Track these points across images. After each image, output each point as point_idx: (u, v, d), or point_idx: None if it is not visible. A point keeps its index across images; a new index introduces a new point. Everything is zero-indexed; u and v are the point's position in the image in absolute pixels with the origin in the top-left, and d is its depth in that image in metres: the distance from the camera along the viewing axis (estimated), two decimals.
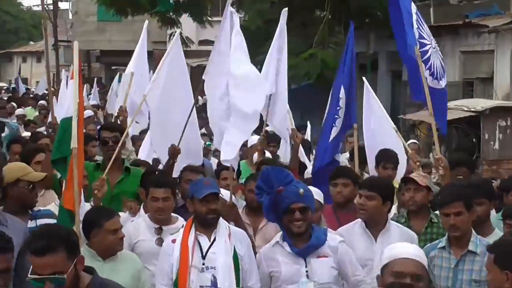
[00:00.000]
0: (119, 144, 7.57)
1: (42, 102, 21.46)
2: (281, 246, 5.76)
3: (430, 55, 7.55)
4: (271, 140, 10.95)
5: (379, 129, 8.79)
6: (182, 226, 5.96)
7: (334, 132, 8.36)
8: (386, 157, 8.08)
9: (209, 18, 24.46)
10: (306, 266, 5.68)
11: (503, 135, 12.65)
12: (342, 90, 8.36)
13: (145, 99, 8.14)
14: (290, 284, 5.67)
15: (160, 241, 6.23)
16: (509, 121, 12.77)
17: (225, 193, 6.62)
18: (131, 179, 7.35)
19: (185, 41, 24.30)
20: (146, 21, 10.55)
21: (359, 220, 6.17)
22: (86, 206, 6.38)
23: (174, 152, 7.89)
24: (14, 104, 21.71)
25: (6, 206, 5.86)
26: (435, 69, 7.54)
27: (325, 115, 8.80)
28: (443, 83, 7.53)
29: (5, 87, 45.15)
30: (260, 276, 5.82)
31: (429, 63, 7.52)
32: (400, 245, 4.47)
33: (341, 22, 17.13)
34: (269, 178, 5.81)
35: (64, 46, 46.13)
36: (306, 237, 5.70)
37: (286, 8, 8.59)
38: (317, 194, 6.32)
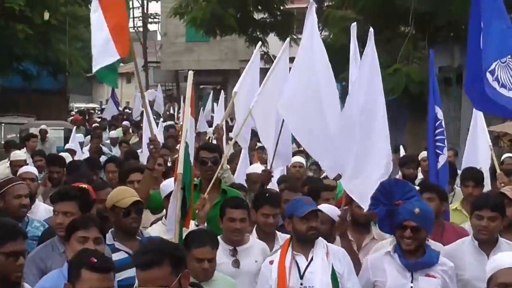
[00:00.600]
0: (220, 166, 7.50)
1: (125, 123, 22.04)
2: (391, 257, 5.71)
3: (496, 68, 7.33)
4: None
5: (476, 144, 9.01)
6: (280, 248, 5.89)
7: (441, 160, 7.94)
8: (467, 175, 8.08)
9: (295, 36, 24.85)
10: (412, 282, 5.61)
11: None
12: (439, 111, 8.06)
13: (251, 113, 8.20)
14: None
15: (236, 263, 6.19)
16: None
17: (328, 208, 6.55)
18: None
19: (271, 59, 24.81)
20: (259, 43, 10.21)
21: (468, 237, 6.08)
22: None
23: (267, 177, 7.99)
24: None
25: (114, 232, 5.97)
26: (503, 80, 7.29)
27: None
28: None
29: (97, 108, 46.28)
30: (362, 283, 5.78)
31: (495, 75, 7.31)
32: (502, 255, 4.39)
33: (425, 38, 17.25)
34: (390, 190, 5.78)
35: (154, 67, 47.31)
36: (418, 255, 5.64)
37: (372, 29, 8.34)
38: (329, 210, 6.45)
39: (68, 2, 27.11)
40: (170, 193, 6.23)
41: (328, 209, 6.53)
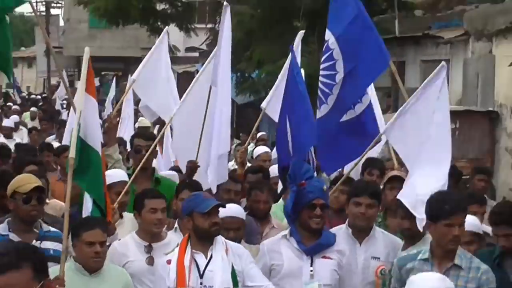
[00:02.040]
0: (147, 153, 7.28)
1: (33, 109, 21.77)
2: (287, 241, 5.67)
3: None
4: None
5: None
6: (177, 246, 5.57)
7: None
8: (372, 163, 7.96)
9: (195, 26, 25.67)
10: (311, 265, 5.59)
11: (452, 137, 13.86)
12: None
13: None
14: (290, 279, 5.60)
15: (150, 260, 5.90)
16: (458, 124, 14.08)
17: (236, 209, 6.27)
18: (161, 191, 6.54)
19: (171, 49, 25.62)
20: (165, 30, 9.73)
21: (343, 225, 6.02)
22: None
23: (192, 168, 7.73)
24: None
25: (11, 222, 5.63)
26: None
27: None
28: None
29: None
30: (260, 267, 5.61)
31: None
32: (421, 279, 4.13)
33: (314, 33, 18.33)
34: (293, 171, 5.69)
35: (56, 52, 47.27)
36: (316, 237, 5.61)
37: (303, 31, 8.86)
38: (237, 211, 6.22)
39: None
40: (109, 185, 6.19)
41: (236, 209, 6.27)
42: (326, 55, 7.41)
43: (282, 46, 18.87)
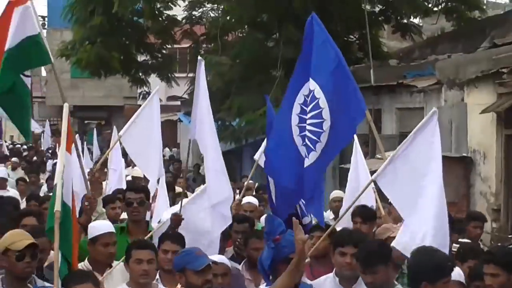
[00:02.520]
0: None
1: (14, 159, 21.42)
2: None
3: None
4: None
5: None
6: None
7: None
8: (356, 211, 7.87)
9: (176, 75, 26.09)
10: None
11: None
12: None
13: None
14: None
15: None
16: None
17: (219, 258, 6.36)
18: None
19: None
20: (157, 88, 9.61)
21: (331, 274, 6.05)
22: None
23: (176, 221, 7.53)
24: None
25: (5, 278, 5.62)
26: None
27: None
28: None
29: None
30: None
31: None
32: None
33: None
34: (267, 226, 5.56)
35: (38, 102, 47.62)
36: None
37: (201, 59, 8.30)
38: (221, 259, 6.28)
39: None
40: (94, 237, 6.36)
41: (220, 256, 6.36)
42: (313, 103, 7.40)
43: (261, 95, 19.37)
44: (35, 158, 25.46)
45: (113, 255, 6.58)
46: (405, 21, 21.88)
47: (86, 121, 41.77)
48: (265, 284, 5.68)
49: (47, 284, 5.73)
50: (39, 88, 49.24)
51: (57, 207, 5.42)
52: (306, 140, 7.51)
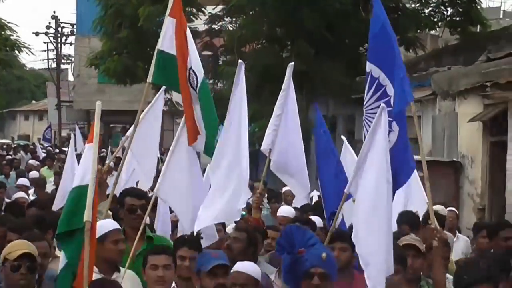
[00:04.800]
0: (147, 213, 6.96)
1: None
2: None
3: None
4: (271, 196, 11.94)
5: None
6: None
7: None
8: (402, 218, 7.94)
9: None
10: None
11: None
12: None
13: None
14: None
15: None
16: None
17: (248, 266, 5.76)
18: None
19: (174, 104, 27.57)
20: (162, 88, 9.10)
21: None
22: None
23: None
24: None
25: None
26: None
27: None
28: None
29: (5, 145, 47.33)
30: None
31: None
32: None
33: (303, 92, 20.19)
34: (291, 237, 5.27)
35: (67, 106, 49.42)
36: None
37: (292, 63, 8.90)
38: (249, 267, 5.67)
39: None
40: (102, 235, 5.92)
41: (247, 265, 5.71)
42: (380, 92, 7.19)
43: (274, 104, 20.90)
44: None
45: (123, 253, 6.24)
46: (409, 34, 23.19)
47: (111, 125, 43.27)
48: None
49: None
50: (67, 92, 50.95)
51: (87, 216, 4.91)
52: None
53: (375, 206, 5.66)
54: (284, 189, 13.95)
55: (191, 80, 7.48)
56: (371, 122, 6.65)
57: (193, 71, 7.41)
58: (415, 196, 8.78)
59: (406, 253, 6.07)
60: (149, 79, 7.50)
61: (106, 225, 6.21)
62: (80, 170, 5.48)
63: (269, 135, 8.44)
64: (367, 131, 6.67)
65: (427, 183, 6.73)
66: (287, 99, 8.53)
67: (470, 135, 16.47)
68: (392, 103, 7.04)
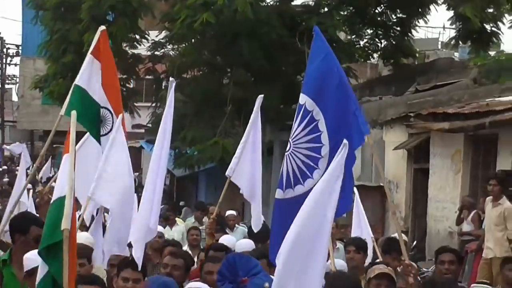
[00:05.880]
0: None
1: None
2: None
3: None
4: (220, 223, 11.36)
5: None
6: None
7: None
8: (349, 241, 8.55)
9: (142, 104, 28.30)
10: None
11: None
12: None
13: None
14: None
15: None
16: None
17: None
18: None
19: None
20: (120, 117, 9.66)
21: None
22: None
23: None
24: None
25: None
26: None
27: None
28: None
29: None
30: None
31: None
32: None
33: (241, 117, 20.85)
34: (234, 266, 5.24)
35: (10, 125, 49.57)
36: None
37: (262, 95, 8.68)
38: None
39: None
40: (31, 269, 5.67)
41: (200, 284, 5.91)
42: (311, 126, 6.86)
43: (211, 128, 21.72)
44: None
45: None
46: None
47: (54, 145, 43.54)
48: None
49: None
50: (11, 112, 51.09)
51: (65, 224, 4.90)
52: (295, 167, 6.86)
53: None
54: (227, 212, 14.33)
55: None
56: (297, 157, 6.77)
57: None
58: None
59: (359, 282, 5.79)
60: (62, 111, 7.80)
61: (37, 258, 5.62)
62: (59, 181, 5.43)
63: (233, 162, 8.56)
64: (291, 165, 6.72)
65: (394, 217, 6.51)
66: (251, 128, 8.66)
67: (396, 162, 17.50)
68: (321, 140, 6.82)
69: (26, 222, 6.59)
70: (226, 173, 8.56)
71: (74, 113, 5.60)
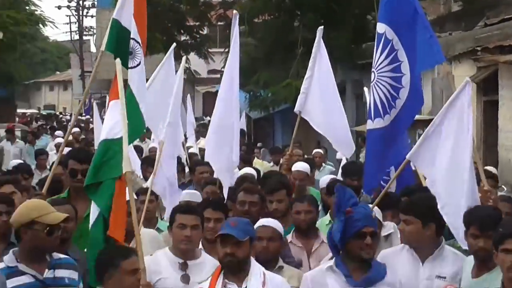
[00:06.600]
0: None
1: (75, 129, 22.49)
2: (333, 273, 5.09)
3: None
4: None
5: None
6: (214, 267, 5.26)
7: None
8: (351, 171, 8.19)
9: (213, 51, 28.86)
10: None
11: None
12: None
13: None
14: None
15: (186, 278, 5.51)
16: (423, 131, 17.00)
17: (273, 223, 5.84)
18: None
19: (192, 73, 28.89)
20: (184, 58, 10.30)
21: (404, 246, 5.66)
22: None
23: (212, 192, 7.76)
24: None
25: (20, 252, 5.03)
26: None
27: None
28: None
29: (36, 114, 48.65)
30: None
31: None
32: None
33: None
34: (339, 198, 5.12)
35: (89, 76, 50.69)
36: (365, 269, 5.05)
37: (322, 27, 8.93)
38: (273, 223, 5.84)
39: (18, 22, 30.54)
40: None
41: (271, 220, 5.90)
42: (392, 55, 6.89)
43: (284, 71, 22.15)
44: None
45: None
46: None
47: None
48: (330, 257, 5.45)
49: (62, 255, 5.23)
50: (90, 63, 52.19)
51: (126, 167, 5.18)
52: (377, 98, 6.99)
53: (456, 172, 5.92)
54: (314, 151, 14.38)
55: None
56: (383, 86, 6.89)
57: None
58: None
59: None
60: (103, 47, 7.62)
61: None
62: (106, 124, 5.65)
63: (300, 98, 8.65)
64: (378, 95, 6.89)
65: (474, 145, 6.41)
66: (315, 62, 8.70)
67: None
68: (401, 69, 6.85)
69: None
70: (295, 109, 8.75)
71: (118, 60, 5.79)
